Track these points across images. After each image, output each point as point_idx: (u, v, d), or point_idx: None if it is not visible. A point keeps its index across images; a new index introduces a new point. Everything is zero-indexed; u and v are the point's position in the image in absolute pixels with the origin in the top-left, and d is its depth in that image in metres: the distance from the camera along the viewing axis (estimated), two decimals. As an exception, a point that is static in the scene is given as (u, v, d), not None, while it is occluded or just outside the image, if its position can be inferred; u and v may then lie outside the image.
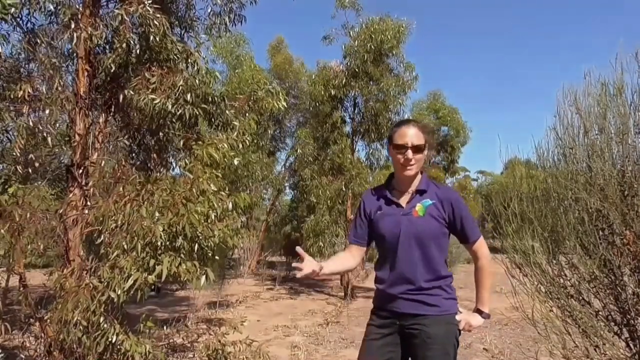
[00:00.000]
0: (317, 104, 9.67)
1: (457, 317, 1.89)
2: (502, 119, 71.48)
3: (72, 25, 3.47)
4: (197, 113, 3.69)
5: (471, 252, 1.98)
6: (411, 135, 1.89)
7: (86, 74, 3.65)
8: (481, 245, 1.96)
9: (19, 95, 3.27)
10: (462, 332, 1.91)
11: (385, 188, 2.01)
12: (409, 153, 1.87)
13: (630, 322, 2.74)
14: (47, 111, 3.39)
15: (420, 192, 1.94)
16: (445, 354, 1.81)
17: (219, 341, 3.66)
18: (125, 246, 2.90)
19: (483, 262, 1.96)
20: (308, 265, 1.77)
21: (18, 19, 3.60)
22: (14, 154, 3.38)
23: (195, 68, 3.73)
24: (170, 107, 3.39)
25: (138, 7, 3.39)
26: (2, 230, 3.02)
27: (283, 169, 14.08)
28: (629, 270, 2.74)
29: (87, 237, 3.56)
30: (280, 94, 4.39)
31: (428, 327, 1.83)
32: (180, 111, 3.47)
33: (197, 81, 3.63)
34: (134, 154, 4.38)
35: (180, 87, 3.45)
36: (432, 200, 1.91)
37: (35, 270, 5.38)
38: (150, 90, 3.40)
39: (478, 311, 1.97)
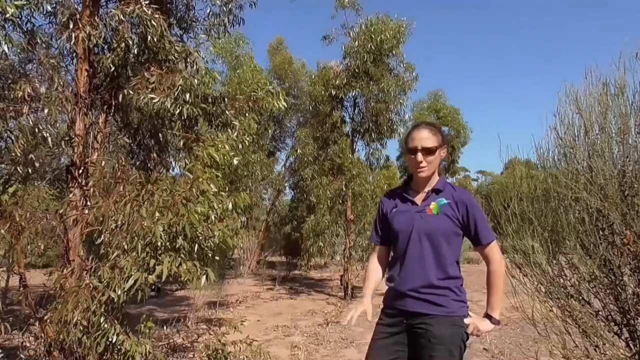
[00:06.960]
0: (317, 104, 9.66)
1: (466, 321, 1.88)
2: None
3: (71, 25, 3.46)
4: (197, 113, 3.69)
5: (483, 255, 1.98)
6: (420, 138, 1.95)
7: (86, 74, 3.65)
8: (494, 249, 1.95)
9: (19, 96, 3.27)
10: (470, 336, 1.89)
11: (403, 188, 2.08)
12: (419, 156, 1.93)
13: (630, 322, 2.74)
14: (46, 111, 3.39)
15: (436, 192, 1.97)
16: (450, 356, 1.80)
17: (219, 341, 3.65)
18: (126, 246, 2.90)
19: (495, 266, 1.95)
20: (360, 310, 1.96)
21: (17, 20, 3.60)
22: (14, 154, 3.37)
23: (195, 68, 3.73)
24: (169, 106, 3.39)
25: (135, 7, 3.38)
26: (2, 231, 3.02)
27: (283, 169, 14.08)
28: (629, 270, 2.74)
29: (87, 237, 3.55)
30: (280, 94, 4.39)
31: (433, 328, 1.83)
32: (178, 110, 3.47)
33: (195, 81, 3.63)
34: (134, 154, 4.38)
35: (180, 87, 3.45)
36: (447, 200, 1.94)
37: (35, 270, 5.38)
38: (149, 90, 3.40)
39: (488, 316, 1.96)
